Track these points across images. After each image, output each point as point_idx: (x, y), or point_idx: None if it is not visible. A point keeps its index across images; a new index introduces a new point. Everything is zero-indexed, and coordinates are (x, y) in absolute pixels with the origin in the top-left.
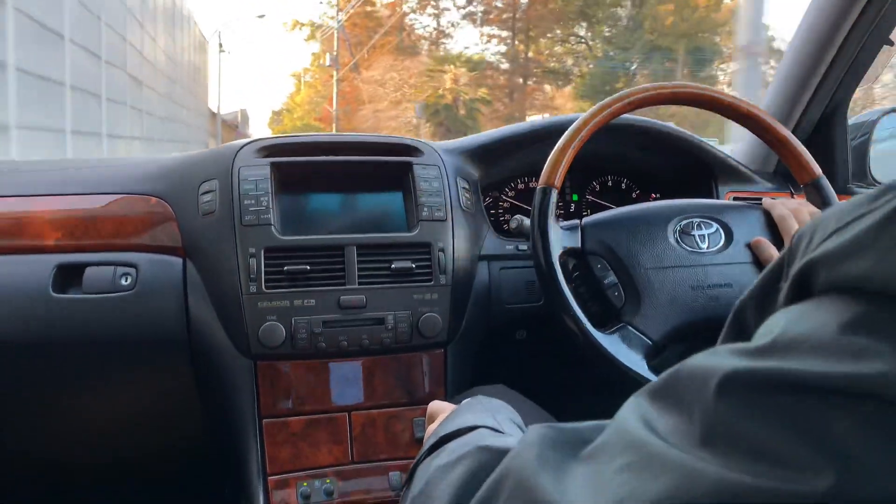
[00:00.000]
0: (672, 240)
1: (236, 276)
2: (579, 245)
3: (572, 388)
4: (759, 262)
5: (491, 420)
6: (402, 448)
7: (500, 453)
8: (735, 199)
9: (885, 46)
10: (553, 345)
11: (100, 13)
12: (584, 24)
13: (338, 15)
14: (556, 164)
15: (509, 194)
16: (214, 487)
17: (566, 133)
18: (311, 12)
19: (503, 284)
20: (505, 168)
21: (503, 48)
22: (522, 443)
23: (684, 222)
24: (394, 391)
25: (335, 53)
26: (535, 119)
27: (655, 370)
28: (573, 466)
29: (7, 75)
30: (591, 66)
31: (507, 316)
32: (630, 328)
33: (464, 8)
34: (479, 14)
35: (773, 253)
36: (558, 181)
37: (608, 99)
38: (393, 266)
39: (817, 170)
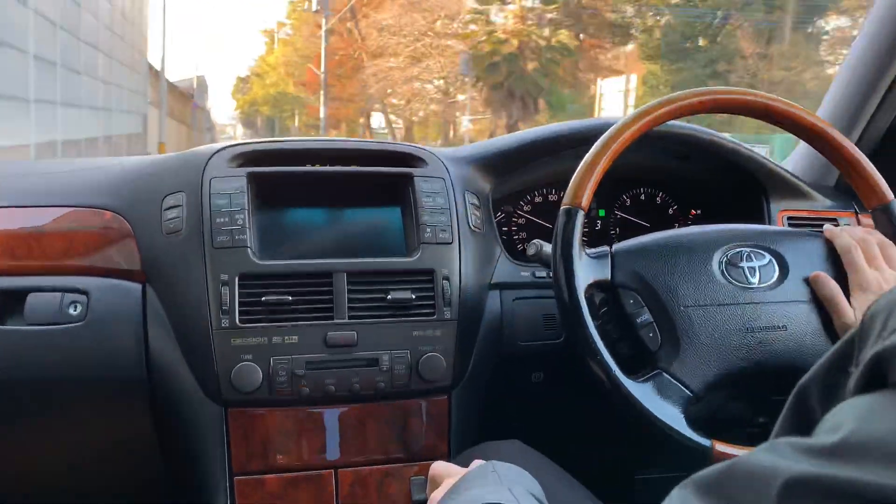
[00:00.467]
0: (717, 272)
1: (205, 307)
2: (609, 277)
3: (598, 442)
4: (818, 301)
5: (507, 496)
6: None
7: None
8: (790, 218)
9: None
10: (575, 390)
11: None
12: None
13: None
14: (583, 180)
15: (525, 209)
16: None
17: (597, 144)
18: None
19: (517, 318)
20: (521, 179)
21: None
22: None
23: (732, 252)
24: (389, 444)
25: None
26: (559, 125)
27: (694, 424)
28: None
29: None
30: (659, 18)
31: (522, 355)
32: (666, 376)
33: None
34: None
35: (835, 291)
36: (586, 201)
37: (648, 105)
38: (389, 297)
39: (889, 194)
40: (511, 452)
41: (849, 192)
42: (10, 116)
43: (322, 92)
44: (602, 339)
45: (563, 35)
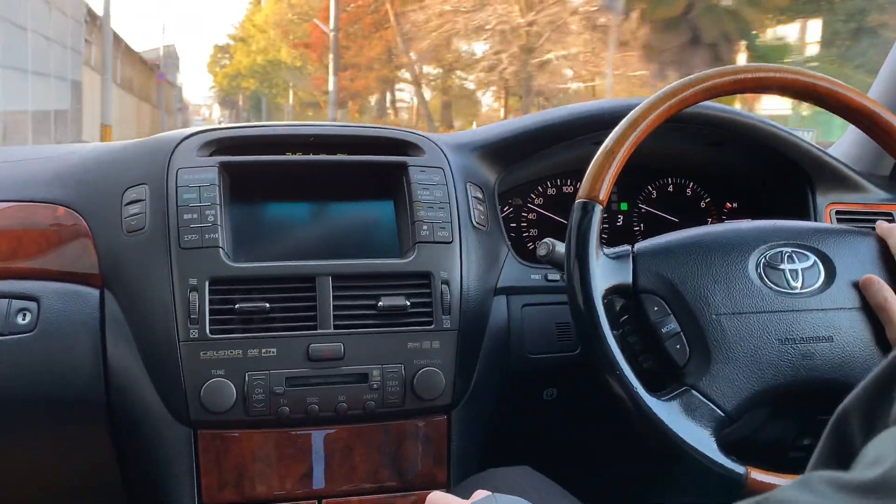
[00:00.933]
0: (754, 275)
1: (172, 315)
2: (630, 280)
3: (618, 467)
4: (868, 308)
5: None
6: None
7: None
8: (838, 212)
9: None
10: (593, 408)
11: None
12: None
13: None
14: (601, 171)
15: (536, 202)
16: None
17: (616, 129)
18: None
19: (527, 327)
20: (531, 169)
21: None
22: None
23: (771, 252)
24: (380, 471)
25: None
26: (572, 107)
27: (726, 448)
28: None
29: None
30: None
31: (532, 369)
32: (695, 393)
33: None
34: None
35: (889, 297)
36: (604, 194)
37: (676, 84)
38: (380, 304)
39: None
40: (520, 481)
41: None
42: None
43: (331, 56)
44: (622, 351)
45: None
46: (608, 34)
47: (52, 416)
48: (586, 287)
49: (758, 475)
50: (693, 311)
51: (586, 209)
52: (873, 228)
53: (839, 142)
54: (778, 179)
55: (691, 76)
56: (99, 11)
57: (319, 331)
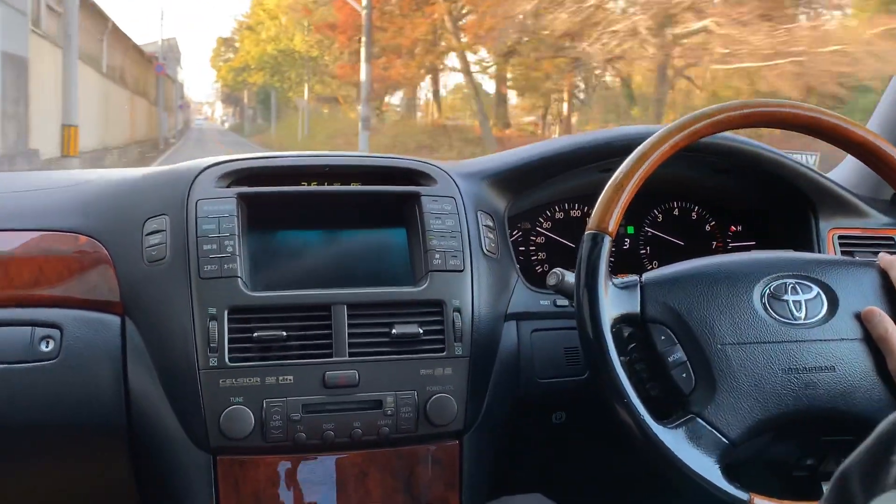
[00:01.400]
0: (759, 306)
1: (191, 343)
2: (638, 310)
3: (627, 488)
4: (870, 340)
5: None
6: None
7: None
8: (841, 237)
9: None
10: (601, 432)
11: None
12: None
13: None
14: (610, 203)
15: (544, 226)
16: None
17: (625, 163)
18: None
19: (536, 352)
20: (539, 194)
21: None
22: None
23: (775, 283)
24: (393, 495)
25: None
26: (581, 136)
27: (731, 472)
28: None
29: None
30: None
31: (541, 394)
32: (700, 421)
33: None
34: None
35: (890, 328)
36: (613, 226)
37: (684, 119)
38: (394, 331)
39: None
40: None
41: None
42: None
43: (363, 40)
44: (629, 378)
45: None
46: None
47: (74, 441)
48: (595, 317)
49: (761, 502)
50: (699, 340)
51: (596, 241)
52: (875, 257)
53: (840, 166)
54: (781, 204)
55: (698, 111)
56: None
57: (335, 358)
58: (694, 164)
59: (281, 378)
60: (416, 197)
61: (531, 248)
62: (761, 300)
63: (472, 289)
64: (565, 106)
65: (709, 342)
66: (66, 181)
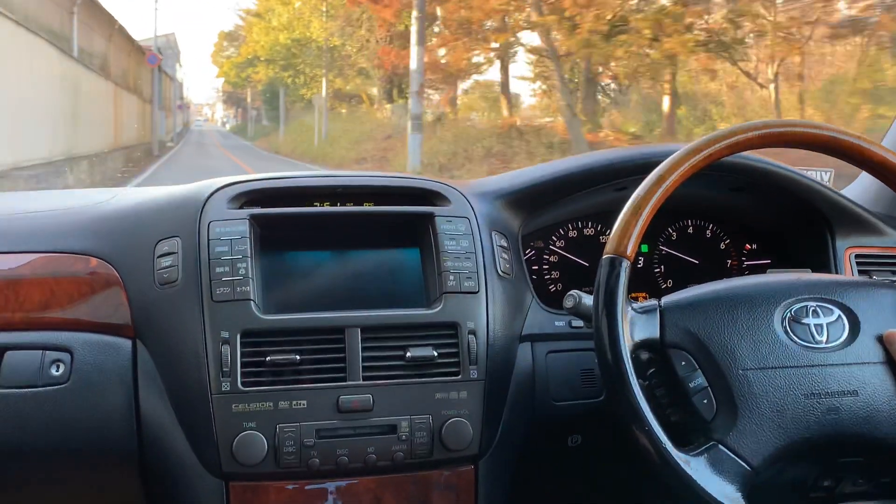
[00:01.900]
0: (780, 330)
1: (204, 368)
2: (657, 335)
3: None
4: (892, 362)
5: None
6: None
7: None
8: (858, 256)
9: None
10: (617, 455)
11: None
12: None
13: None
14: (628, 227)
15: (558, 245)
16: None
17: (642, 186)
18: None
19: (551, 374)
20: (553, 213)
21: None
22: None
23: (796, 307)
24: None
25: None
26: (597, 154)
27: (751, 498)
28: None
29: None
30: None
31: (557, 416)
32: (723, 449)
33: None
34: None
35: None
36: (631, 250)
37: (701, 141)
38: (408, 355)
39: None
40: None
41: None
42: None
43: (414, 15)
44: (649, 404)
45: None
46: None
47: (85, 466)
48: (615, 342)
49: None
50: (720, 366)
51: (614, 265)
52: (894, 276)
53: (855, 183)
54: (797, 223)
55: (715, 132)
56: None
57: (349, 382)
58: (709, 183)
59: (294, 403)
60: (429, 217)
61: (545, 267)
62: (782, 324)
63: (487, 310)
64: (666, 100)
65: (730, 367)
66: (78, 202)
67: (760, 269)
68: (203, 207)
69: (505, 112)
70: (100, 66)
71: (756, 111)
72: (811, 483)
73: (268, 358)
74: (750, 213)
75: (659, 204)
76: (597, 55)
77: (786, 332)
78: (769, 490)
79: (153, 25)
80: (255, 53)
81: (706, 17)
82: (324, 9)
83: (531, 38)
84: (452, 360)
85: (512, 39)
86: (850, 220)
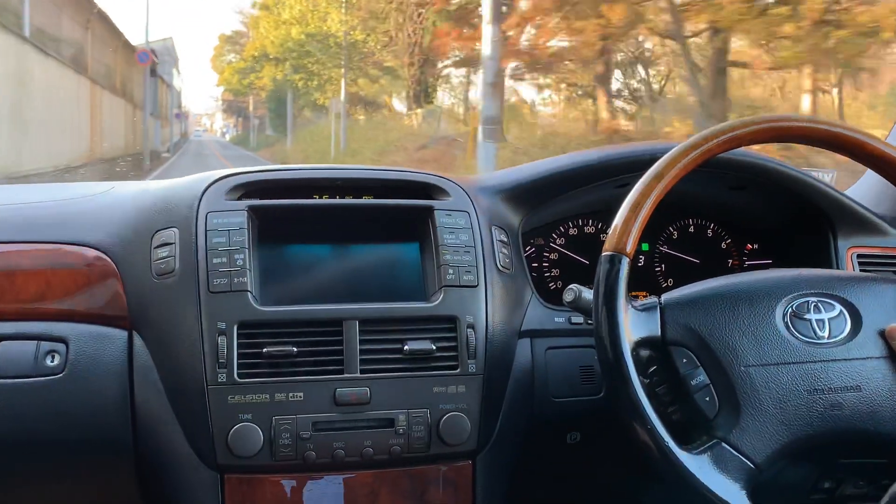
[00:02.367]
0: (781, 326)
1: (200, 359)
2: (658, 333)
3: None
4: (895, 357)
5: None
6: None
7: None
8: (860, 256)
9: None
10: (617, 452)
11: None
12: None
13: None
14: (627, 223)
15: (558, 242)
16: None
17: (640, 182)
18: None
19: (550, 370)
20: (553, 210)
21: None
22: None
23: (797, 302)
24: None
25: None
26: (597, 151)
27: (754, 496)
28: None
29: None
30: None
31: (556, 413)
32: (726, 446)
33: None
34: None
35: None
36: (631, 247)
37: (699, 136)
38: (406, 348)
39: None
40: None
41: None
42: None
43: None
44: (651, 402)
45: None
46: None
47: (79, 457)
48: (615, 340)
49: None
50: (722, 363)
51: (613, 262)
52: None
53: (858, 183)
54: (799, 223)
55: (714, 127)
56: None
57: (346, 375)
58: (710, 181)
59: (291, 395)
60: (429, 211)
61: (544, 264)
62: (783, 320)
63: (486, 305)
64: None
65: (732, 364)
66: (75, 194)
67: (762, 269)
68: (201, 198)
69: (604, 113)
70: (72, 58)
71: None
72: (811, 485)
73: (265, 350)
74: (751, 212)
75: (658, 200)
76: (755, 32)
77: (787, 328)
78: (769, 492)
79: (150, 23)
80: (264, 50)
81: None
82: None
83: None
84: (451, 353)
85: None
86: (853, 219)
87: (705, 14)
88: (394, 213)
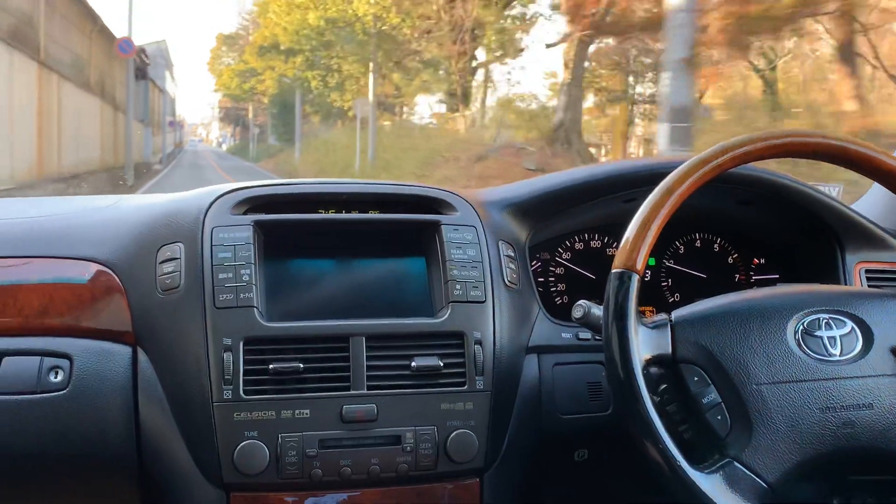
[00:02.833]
0: (793, 343)
1: (205, 375)
2: (669, 351)
3: None
4: None
5: None
6: None
7: None
8: (868, 271)
9: None
10: (624, 470)
11: None
12: None
13: None
14: (637, 240)
15: (564, 257)
16: None
17: (650, 199)
18: None
19: (558, 386)
20: (560, 224)
21: None
22: None
23: (808, 319)
24: None
25: None
26: (605, 165)
27: None
28: None
29: None
30: None
31: (563, 430)
32: (738, 465)
33: None
34: None
35: None
36: (641, 265)
37: (709, 152)
38: (413, 364)
39: None
40: None
41: None
42: None
43: None
44: (661, 420)
45: None
46: None
47: (82, 475)
48: (626, 359)
49: None
50: (733, 381)
51: (623, 280)
52: None
53: (865, 197)
54: (806, 237)
55: (724, 143)
56: None
57: (353, 392)
58: (717, 195)
59: (297, 412)
60: (436, 225)
61: (551, 279)
62: (795, 337)
63: (494, 320)
64: None
65: (744, 383)
66: (79, 208)
67: (769, 284)
68: (206, 213)
69: (851, 104)
70: (11, 32)
71: None
72: (820, 502)
73: (271, 366)
74: (758, 227)
75: (667, 217)
76: None
77: (799, 346)
78: None
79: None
80: (274, 39)
81: None
82: None
83: None
84: (458, 370)
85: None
86: (860, 234)
87: None
88: (400, 228)
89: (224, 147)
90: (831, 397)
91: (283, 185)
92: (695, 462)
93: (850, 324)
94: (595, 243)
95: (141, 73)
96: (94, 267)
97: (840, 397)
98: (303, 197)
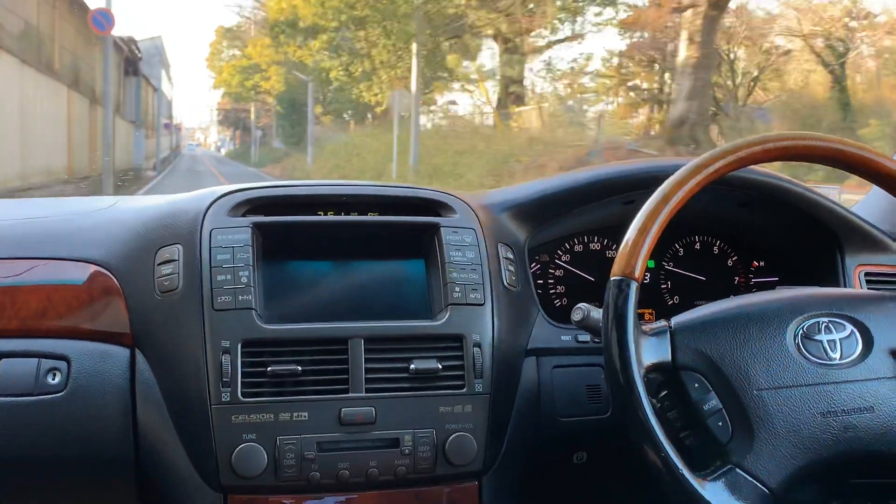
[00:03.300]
0: (792, 347)
1: (203, 378)
2: (669, 357)
3: None
4: None
5: None
6: None
7: None
8: (867, 274)
9: None
10: (623, 473)
11: None
12: None
13: None
14: (635, 247)
15: (563, 259)
16: None
17: (647, 205)
18: None
19: (557, 389)
20: (559, 227)
21: None
22: None
23: (808, 323)
24: None
25: None
26: (605, 168)
27: None
28: None
29: None
30: None
31: (562, 433)
32: (740, 472)
33: None
34: None
35: None
36: (639, 272)
37: (706, 156)
38: (412, 367)
39: None
40: None
41: None
42: None
43: None
44: (662, 426)
45: None
46: None
47: (80, 477)
48: (626, 367)
49: None
50: (734, 386)
51: (622, 287)
52: None
53: (864, 200)
54: (805, 239)
55: (721, 147)
56: None
57: (351, 394)
58: (716, 198)
59: (295, 414)
60: (435, 228)
61: (549, 280)
62: (795, 341)
63: (493, 323)
64: None
65: (744, 388)
66: (77, 209)
67: (768, 287)
68: (205, 215)
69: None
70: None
71: None
72: None
73: (269, 368)
74: (758, 230)
75: (666, 222)
76: None
77: (798, 350)
78: None
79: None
80: (294, 13)
81: None
82: None
83: None
84: (457, 373)
85: None
86: (860, 237)
87: None
88: (399, 230)
89: (223, 151)
90: (832, 401)
91: (281, 187)
92: (696, 469)
93: (849, 327)
94: (594, 245)
95: (132, 67)
96: (93, 268)
97: (841, 401)
98: (302, 199)
